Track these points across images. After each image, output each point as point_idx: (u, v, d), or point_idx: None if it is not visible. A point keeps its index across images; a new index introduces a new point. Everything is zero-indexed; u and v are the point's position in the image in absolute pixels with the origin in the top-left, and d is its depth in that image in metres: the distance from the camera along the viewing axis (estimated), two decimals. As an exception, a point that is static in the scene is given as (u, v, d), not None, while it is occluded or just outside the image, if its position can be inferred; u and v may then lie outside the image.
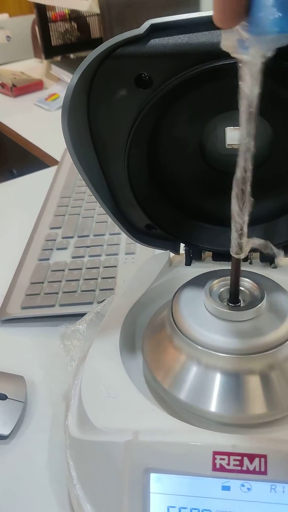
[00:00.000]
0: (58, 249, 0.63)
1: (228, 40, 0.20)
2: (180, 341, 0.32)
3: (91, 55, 0.29)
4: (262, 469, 0.26)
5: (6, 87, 1.35)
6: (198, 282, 0.35)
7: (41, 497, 0.36)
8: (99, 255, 0.61)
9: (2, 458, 0.39)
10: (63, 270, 0.58)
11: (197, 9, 1.14)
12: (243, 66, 0.20)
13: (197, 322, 0.32)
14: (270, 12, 0.17)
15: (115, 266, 0.58)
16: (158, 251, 0.43)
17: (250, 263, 0.41)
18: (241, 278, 0.33)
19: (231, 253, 0.28)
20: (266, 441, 0.28)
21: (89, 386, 0.33)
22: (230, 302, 0.33)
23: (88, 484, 0.31)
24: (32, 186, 0.85)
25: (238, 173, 0.24)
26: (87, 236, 0.65)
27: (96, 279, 0.56)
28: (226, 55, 0.28)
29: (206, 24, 0.28)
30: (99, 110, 0.32)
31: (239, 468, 0.27)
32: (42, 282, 0.57)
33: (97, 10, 1.08)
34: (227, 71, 0.28)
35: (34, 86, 1.36)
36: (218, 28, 0.28)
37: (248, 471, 0.27)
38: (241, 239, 0.27)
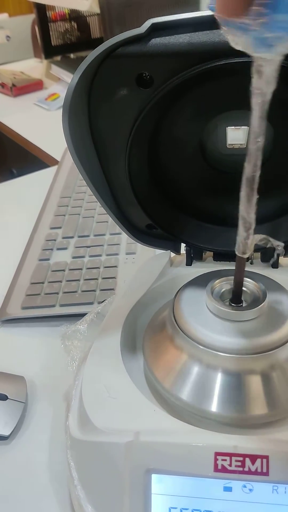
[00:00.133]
0: (58, 249, 0.63)
1: (241, 39, 0.19)
2: (182, 341, 0.32)
3: (91, 55, 0.29)
4: (264, 470, 0.26)
5: (6, 87, 1.35)
6: (200, 282, 0.35)
7: (42, 498, 0.36)
8: (100, 255, 0.61)
9: (3, 459, 0.39)
10: (64, 270, 0.58)
11: (197, 9, 1.14)
12: (261, 64, 0.20)
13: (198, 322, 0.32)
14: None
15: (115, 266, 0.58)
16: (158, 251, 0.43)
17: (251, 263, 0.41)
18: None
19: (237, 252, 0.28)
20: (268, 442, 0.27)
21: (90, 386, 0.33)
22: (232, 302, 0.32)
23: (89, 485, 0.31)
24: (32, 186, 0.85)
25: (248, 172, 0.24)
26: (88, 236, 0.65)
27: (96, 279, 0.56)
28: (227, 55, 0.28)
29: (208, 23, 0.27)
30: (100, 109, 0.32)
31: (241, 469, 0.26)
32: (43, 282, 0.57)
33: (97, 10, 1.08)
34: (228, 71, 0.28)
35: (34, 86, 1.35)
36: (219, 27, 0.28)
37: (250, 472, 0.26)
38: (249, 238, 0.27)
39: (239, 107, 0.32)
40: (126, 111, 0.32)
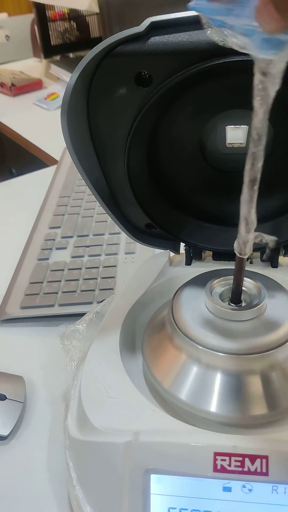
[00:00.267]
0: (57, 248, 0.63)
1: (245, 41, 0.19)
2: (181, 341, 0.32)
3: (90, 53, 0.29)
4: (264, 470, 0.26)
5: (5, 86, 1.34)
6: (199, 281, 0.35)
7: (41, 498, 0.36)
8: (99, 255, 0.61)
9: (1, 459, 0.39)
10: (63, 270, 0.58)
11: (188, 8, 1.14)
12: (265, 66, 0.20)
13: (197, 321, 0.32)
14: None
15: (114, 266, 0.58)
16: (158, 251, 0.43)
17: (251, 262, 0.41)
18: (242, 278, 0.33)
19: (236, 253, 0.28)
20: (267, 442, 0.27)
21: (88, 386, 0.33)
22: (232, 302, 0.32)
23: (88, 485, 0.31)
24: (31, 185, 0.85)
25: (251, 175, 0.24)
26: (87, 235, 0.65)
27: (95, 278, 0.56)
28: (227, 53, 0.28)
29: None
30: (98, 108, 0.32)
31: (240, 469, 0.26)
32: (42, 282, 0.57)
33: (96, 9, 1.08)
34: (227, 70, 0.28)
35: (33, 85, 1.35)
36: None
37: (249, 472, 0.26)
38: (249, 239, 0.27)
39: (238, 106, 0.32)
40: (125, 110, 0.32)
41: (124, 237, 0.63)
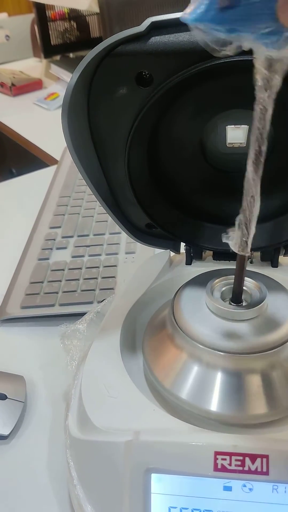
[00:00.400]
0: (57, 248, 0.63)
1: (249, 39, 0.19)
2: (181, 340, 0.32)
3: (91, 53, 0.29)
4: (264, 469, 0.26)
5: (6, 86, 1.35)
6: (200, 281, 0.35)
7: (42, 498, 0.36)
8: (99, 255, 0.61)
9: (2, 458, 0.39)
10: (63, 270, 0.58)
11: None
12: (272, 64, 0.20)
13: (198, 321, 0.32)
14: None
15: (115, 266, 0.58)
16: (158, 251, 0.43)
17: (251, 262, 0.41)
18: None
19: (235, 250, 0.28)
20: (268, 441, 0.27)
21: (89, 385, 0.33)
22: (233, 301, 0.32)
23: (89, 484, 0.31)
24: (31, 185, 0.85)
25: (250, 169, 0.24)
26: (87, 235, 0.65)
27: (96, 278, 0.56)
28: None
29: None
30: (99, 108, 0.32)
31: (240, 468, 0.26)
32: (42, 282, 0.57)
33: (96, 9, 1.08)
34: (228, 69, 0.28)
35: (33, 85, 1.35)
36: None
37: (249, 471, 0.26)
38: (249, 236, 0.27)
39: (239, 106, 0.32)
40: (125, 110, 0.32)
41: (124, 237, 0.63)
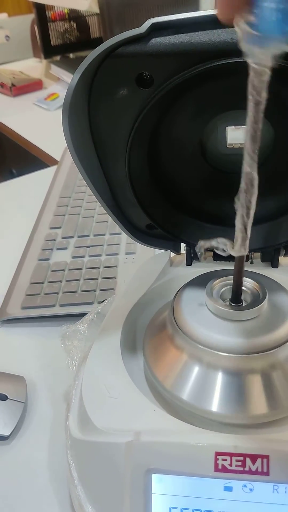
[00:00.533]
0: (58, 249, 0.63)
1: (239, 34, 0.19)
2: (182, 341, 0.32)
3: (91, 55, 0.29)
4: (265, 470, 0.26)
5: (6, 86, 1.35)
6: (200, 282, 0.35)
7: (42, 498, 0.36)
8: (100, 255, 0.61)
9: (3, 459, 0.39)
10: (63, 270, 0.58)
11: (196, 8, 1.14)
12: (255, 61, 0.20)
13: (198, 321, 0.32)
14: (270, 13, 0.17)
15: (115, 266, 0.58)
16: (158, 251, 0.43)
17: (251, 263, 0.41)
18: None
19: (231, 252, 0.28)
20: (268, 442, 0.27)
21: (90, 386, 0.33)
22: (232, 301, 0.32)
23: (90, 485, 0.31)
24: (31, 186, 0.85)
25: (246, 170, 0.24)
26: (87, 236, 0.65)
27: (96, 279, 0.56)
28: (228, 54, 0.28)
29: (208, 23, 0.27)
30: (100, 109, 0.32)
31: (241, 468, 0.26)
32: (42, 282, 0.57)
33: (96, 9, 1.08)
34: (228, 71, 0.28)
35: (33, 85, 1.35)
36: (219, 27, 0.28)
37: (250, 472, 0.26)
38: (246, 238, 0.27)
39: (239, 106, 0.32)
40: (126, 111, 0.32)
41: (124, 238, 0.63)
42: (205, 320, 0.32)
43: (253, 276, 0.34)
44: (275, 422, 0.30)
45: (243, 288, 0.33)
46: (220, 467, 0.27)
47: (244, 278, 0.33)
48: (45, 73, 1.36)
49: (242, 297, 0.33)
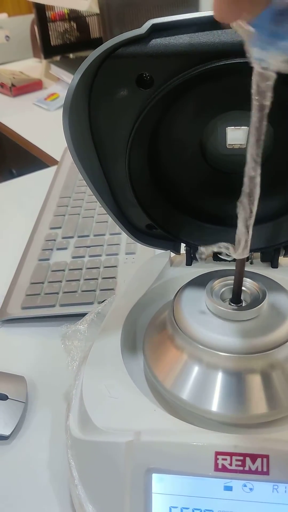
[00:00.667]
0: (58, 249, 0.63)
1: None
2: (182, 341, 0.32)
3: (92, 55, 0.29)
4: (265, 469, 0.26)
5: (5, 86, 1.35)
6: (200, 282, 0.35)
7: (43, 498, 0.36)
8: (100, 255, 0.61)
9: (3, 459, 0.39)
10: (63, 270, 0.58)
11: (196, 9, 1.14)
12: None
13: (198, 321, 0.32)
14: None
15: (115, 266, 0.58)
16: (158, 251, 0.43)
17: (251, 263, 0.41)
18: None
19: (234, 255, 0.28)
20: (268, 441, 0.27)
21: (90, 386, 0.33)
22: (232, 302, 0.33)
23: (90, 484, 0.31)
24: (31, 186, 0.85)
25: (248, 174, 0.24)
26: (87, 236, 0.65)
27: (96, 279, 0.56)
28: (228, 55, 0.28)
29: (208, 24, 0.27)
30: (100, 110, 0.32)
31: (241, 468, 0.27)
32: (42, 282, 0.57)
33: (96, 10, 1.08)
34: (228, 71, 0.29)
35: (33, 86, 1.36)
36: (219, 28, 0.28)
37: (250, 471, 0.27)
38: (249, 240, 0.27)
39: (238, 107, 0.32)
40: (126, 111, 0.32)
41: (124, 238, 0.63)
42: (205, 320, 0.32)
43: (253, 276, 0.34)
44: (274, 422, 0.30)
45: (243, 288, 0.33)
46: (220, 466, 0.27)
47: (244, 278, 0.33)
48: (45, 73, 1.36)
49: (242, 297, 0.33)
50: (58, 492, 0.36)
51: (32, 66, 1.53)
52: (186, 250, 0.41)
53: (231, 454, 0.27)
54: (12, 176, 1.09)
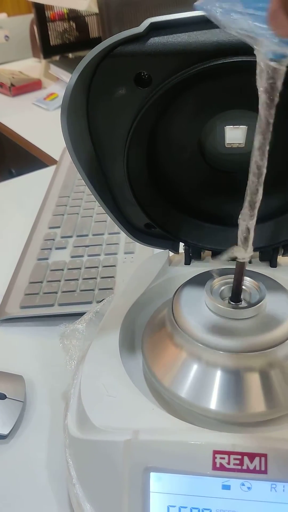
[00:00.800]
0: (57, 248, 0.63)
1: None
2: (181, 339, 0.32)
3: (90, 54, 0.29)
4: (263, 468, 0.26)
5: (5, 86, 1.35)
6: (199, 280, 0.35)
7: (41, 497, 0.36)
8: (98, 255, 0.61)
9: (1, 458, 0.39)
10: (62, 270, 0.58)
11: (194, 8, 1.14)
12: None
13: (198, 320, 0.32)
14: None
15: (114, 266, 0.58)
16: (157, 250, 0.43)
17: (250, 262, 0.41)
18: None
19: (245, 255, 0.28)
20: (266, 440, 0.27)
21: (88, 385, 0.33)
22: (232, 300, 0.33)
23: (88, 483, 0.31)
24: (30, 185, 0.85)
25: (253, 172, 0.24)
26: (86, 235, 0.65)
27: (95, 278, 0.56)
28: (226, 54, 0.28)
29: (206, 22, 0.27)
30: (98, 109, 0.32)
31: (239, 467, 0.27)
32: (41, 282, 0.57)
33: (95, 9, 1.08)
34: (226, 70, 0.29)
35: (32, 85, 1.36)
36: (217, 27, 0.28)
37: (248, 470, 0.26)
38: (249, 239, 0.27)
39: (237, 106, 0.32)
40: (124, 110, 0.32)
41: (123, 237, 0.63)
42: (204, 318, 0.32)
43: (252, 275, 0.34)
44: (273, 421, 0.30)
45: (243, 287, 0.33)
46: (218, 465, 0.27)
47: (244, 277, 0.33)
48: (44, 73, 1.36)
49: (242, 296, 0.33)
50: (56, 491, 0.36)
51: (31, 66, 1.53)
52: (185, 249, 0.41)
53: (229, 453, 0.27)
54: (11, 175, 1.09)
